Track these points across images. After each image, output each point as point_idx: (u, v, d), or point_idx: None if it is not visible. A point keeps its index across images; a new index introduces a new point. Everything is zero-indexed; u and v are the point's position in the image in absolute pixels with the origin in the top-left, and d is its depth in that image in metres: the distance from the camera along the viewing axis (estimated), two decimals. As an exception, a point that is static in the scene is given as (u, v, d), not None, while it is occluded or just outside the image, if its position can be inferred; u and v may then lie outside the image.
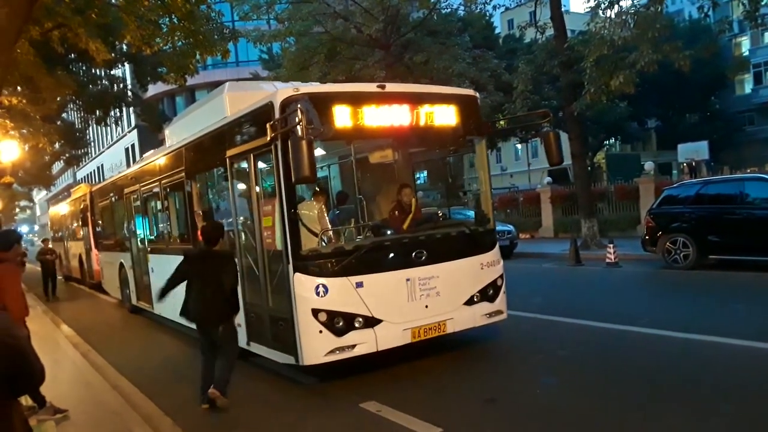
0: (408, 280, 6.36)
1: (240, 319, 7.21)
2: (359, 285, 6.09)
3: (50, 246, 19.72)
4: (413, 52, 22.84)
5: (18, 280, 6.22)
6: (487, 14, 31.76)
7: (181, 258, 9.49)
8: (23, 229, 74.83)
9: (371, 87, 6.74)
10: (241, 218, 7.40)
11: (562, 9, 18.77)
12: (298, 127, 5.21)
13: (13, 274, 6.08)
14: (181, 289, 9.55)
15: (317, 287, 5.97)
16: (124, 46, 17.42)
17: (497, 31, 38.94)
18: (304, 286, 5.99)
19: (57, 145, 26.19)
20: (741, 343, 6.69)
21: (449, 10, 25.61)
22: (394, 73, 20.96)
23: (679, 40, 17.69)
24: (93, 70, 22.25)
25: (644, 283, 12.70)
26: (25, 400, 5.56)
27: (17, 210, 66.21)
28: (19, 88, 14.75)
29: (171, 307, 10.34)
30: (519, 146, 48.58)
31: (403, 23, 23.02)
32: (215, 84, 19.51)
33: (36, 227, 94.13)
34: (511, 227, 19.15)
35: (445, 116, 6.82)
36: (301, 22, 22.24)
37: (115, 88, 24.12)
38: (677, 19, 42.63)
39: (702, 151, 27.00)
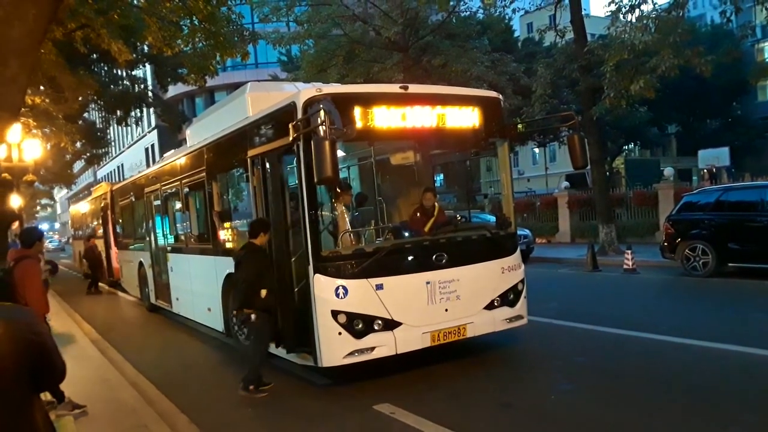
0: (428, 283, 6.32)
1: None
2: (379, 287, 6.07)
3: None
4: (431, 55, 22.83)
5: (39, 276, 6.29)
6: (507, 17, 31.61)
7: (199, 257, 9.63)
8: (44, 226, 75.77)
9: (394, 88, 6.73)
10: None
11: (583, 12, 18.66)
12: (321, 127, 5.21)
13: (35, 270, 6.15)
14: (199, 288, 9.64)
15: (337, 289, 5.95)
16: (146, 47, 17.60)
17: (516, 34, 38.79)
18: (323, 288, 5.98)
19: (78, 144, 26.51)
20: (761, 353, 6.59)
21: (468, 13, 25.54)
22: (412, 76, 20.92)
23: (700, 44, 17.50)
24: (114, 71, 22.53)
25: (662, 290, 12.54)
26: (44, 395, 5.60)
27: (38, 208, 67.12)
28: (42, 87, 14.95)
29: (189, 306, 10.47)
30: (537, 150, 48.32)
31: (421, 26, 23.01)
32: (235, 85, 19.64)
33: (56, 225, 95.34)
34: (527, 231, 19.05)
35: (468, 118, 6.78)
36: (320, 24, 22.33)
37: (136, 88, 24.38)
38: (699, 23, 42.17)
39: (723, 157, 26.65)
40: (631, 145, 45.65)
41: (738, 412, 5.05)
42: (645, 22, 15.95)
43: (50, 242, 52.89)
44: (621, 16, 17.01)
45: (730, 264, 12.35)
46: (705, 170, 26.89)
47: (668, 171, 21.50)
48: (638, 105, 24.85)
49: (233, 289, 6.86)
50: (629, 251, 14.40)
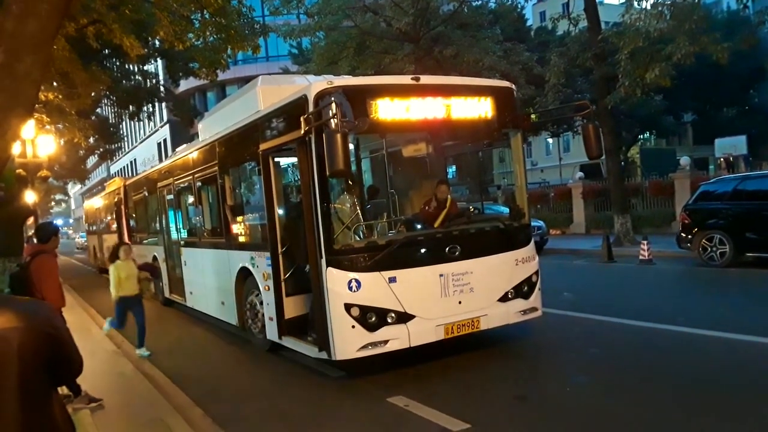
0: (441, 275, 6.29)
1: (272, 312, 7.26)
2: (392, 280, 6.04)
3: None
4: (443, 45, 22.68)
5: (55, 271, 6.33)
6: (519, 6, 31.42)
7: (213, 251, 9.67)
8: (58, 222, 76.55)
9: (405, 79, 6.67)
10: (275, 212, 7.39)
11: (596, 0, 18.42)
12: (332, 120, 5.18)
13: (51, 265, 6.19)
14: (213, 282, 9.68)
15: (350, 282, 5.94)
16: (157, 42, 17.66)
17: (529, 23, 38.54)
18: (336, 281, 5.96)
19: (91, 140, 26.70)
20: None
21: (480, 2, 25.41)
22: (424, 67, 20.81)
23: (716, 31, 17.21)
24: (126, 66, 22.64)
25: (679, 280, 12.42)
26: (61, 389, 5.65)
27: (53, 203, 67.82)
28: (55, 83, 15.02)
29: (203, 299, 10.52)
30: (550, 141, 48.03)
31: (432, 16, 22.86)
32: (246, 79, 19.68)
33: (71, 220, 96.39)
34: (541, 223, 18.94)
35: (481, 109, 6.70)
36: (331, 16, 22.26)
37: (148, 83, 24.50)
38: (715, 10, 41.43)
39: (740, 145, 26.31)
40: (647, 135, 45.22)
41: (756, 405, 4.98)
42: (660, 9, 15.72)
43: (81, 236, 53.31)
44: (635, 4, 16.86)
45: (748, 254, 12.19)
46: (722, 159, 26.55)
47: (684, 160, 21.26)
48: (653, 93, 24.60)
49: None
50: (645, 242, 14.27)
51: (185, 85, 31.97)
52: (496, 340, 7.38)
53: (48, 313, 2.09)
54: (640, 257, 14.14)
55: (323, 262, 6.03)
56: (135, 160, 61.38)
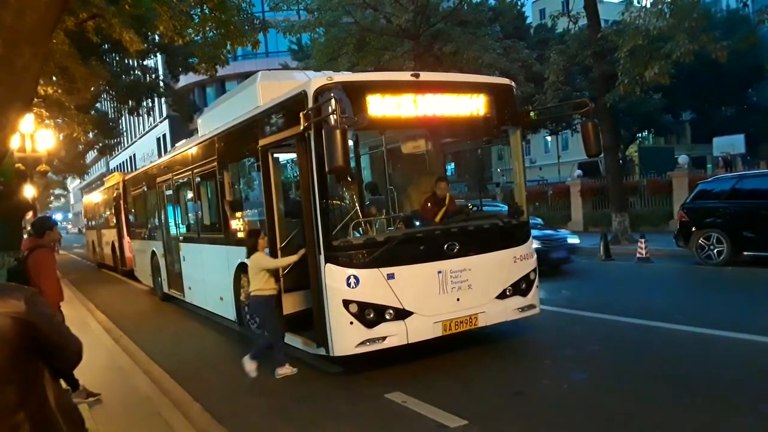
0: (440, 272, 6.30)
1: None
2: (390, 276, 6.05)
3: None
4: (443, 42, 22.66)
5: (53, 265, 6.31)
6: (519, 3, 31.39)
7: (211, 246, 9.66)
8: (57, 216, 76.51)
9: (405, 76, 6.68)
10: (273, 208, 7.38)
11: (596, -2, 18.41)
12: (332, 116, 5.18)
13: (48, 259, 6.18)
14: (212, 277, 9.68)
15: (348, 278, 5.95)
16: (157, 37, 17.62)
17: (529, 20, 38.51)
18: (335, 277, 5.97)
19: (91, 135, 26.66)
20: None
21: (480, -1, 25.35)
22: (423, 64, 20.79)
23: (716, 30, 17.24)
24: (126, 61, 22.58)
25: (676, 279, 12.44)
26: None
27: (52, 198, 67.73)
28: (54, 77, 14.99)
29: (201, 295, 10.52)
30: (549, 138, 48.00)
31: (432, 13, 22.83)
32: (245, 75, 19.63)
33: (70, 215, 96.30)
34: (539, 221, 18.93)
35: (480, 106, 6.70)
36: (331, 12, 22.24)
37: (148, 78, 24.45)
38: (715, 8, 41.50)
39: (738, 144, 26.35)
40: (645, 133, 45.24)
41: (754, 402, 5.00)
42: (660, 6, 15.70)
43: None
44: (635, 2, 16.85)
45: (745, 252, 12.21)
46: (720, 158, 26.61)
47: (683, 159, 21.27)
48: (652, 92, 24.64)
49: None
50: (643, 240, 14.28)
51: (185, 80, 31.93)
52: (494, 337, 7.41)
53: (30, 299, 2.03)
54: (638, 255, 14.16)
55: (322, 258, 6.04)
56: (134, 155, 61.29)
